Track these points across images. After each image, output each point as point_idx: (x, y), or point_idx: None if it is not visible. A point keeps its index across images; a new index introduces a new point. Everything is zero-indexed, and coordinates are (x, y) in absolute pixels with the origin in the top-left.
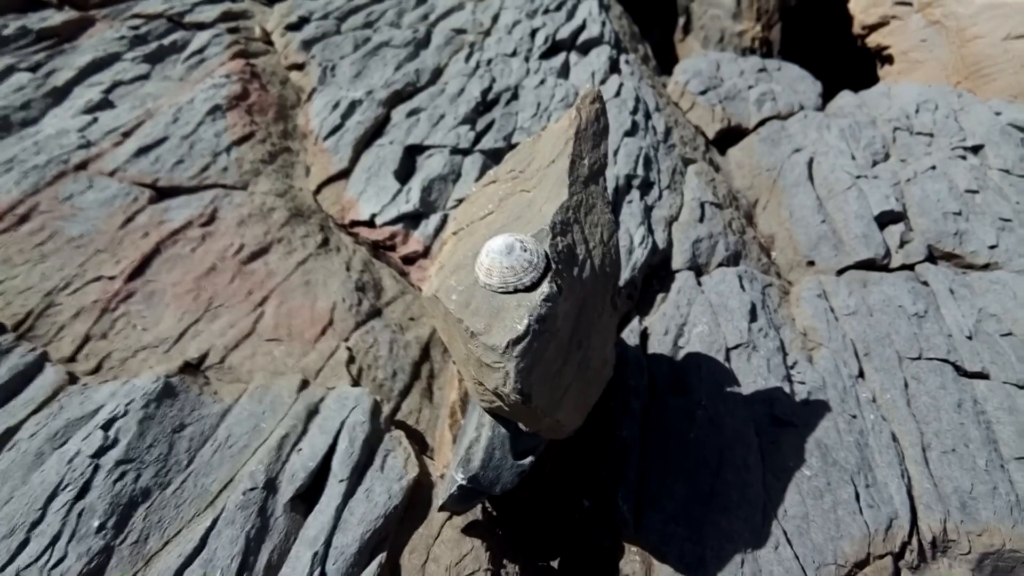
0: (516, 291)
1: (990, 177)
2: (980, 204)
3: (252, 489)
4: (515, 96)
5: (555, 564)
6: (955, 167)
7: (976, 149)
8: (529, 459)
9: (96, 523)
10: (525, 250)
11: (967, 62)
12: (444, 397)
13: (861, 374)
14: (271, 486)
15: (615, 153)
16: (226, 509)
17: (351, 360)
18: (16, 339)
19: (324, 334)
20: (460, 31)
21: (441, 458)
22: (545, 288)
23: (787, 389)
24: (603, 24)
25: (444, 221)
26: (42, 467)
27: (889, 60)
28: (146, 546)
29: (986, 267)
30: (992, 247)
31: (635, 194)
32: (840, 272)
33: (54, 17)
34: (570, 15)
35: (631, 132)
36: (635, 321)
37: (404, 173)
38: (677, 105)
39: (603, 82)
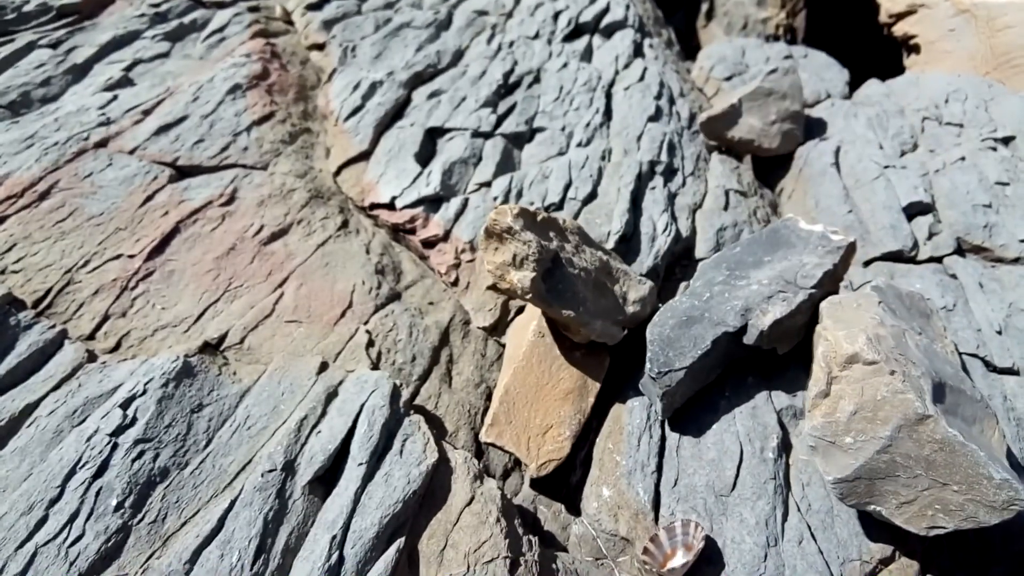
0: None
1: (1021, 169)
2: (1011, 196)
3: (271, 471)
4: (537, 79)
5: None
6: (985, 158)
7: (1007, 140)
8: None
9: (114, 502)
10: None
11: (996, 52)
12: (463, 382)
13: None
14: (290, 468)
15: (638, 138)
16: (244, 490)
17: (370, 343)
18: (36, 316)
19: (344, 317)
20: (482, 13)
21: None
22: None
23: None
24: (627, 7)
25: (464, 205)
26: (61, 444)
27: (916, 50)
28: (163, 526)
29: (1016, 260)
30: (1022, 240)
31: (658, 180)
32: (867, 263)
33: None
34: None
35: (655, 117)
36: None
37: (425, 156)
38: (701, 91)
39: (627, 66)
